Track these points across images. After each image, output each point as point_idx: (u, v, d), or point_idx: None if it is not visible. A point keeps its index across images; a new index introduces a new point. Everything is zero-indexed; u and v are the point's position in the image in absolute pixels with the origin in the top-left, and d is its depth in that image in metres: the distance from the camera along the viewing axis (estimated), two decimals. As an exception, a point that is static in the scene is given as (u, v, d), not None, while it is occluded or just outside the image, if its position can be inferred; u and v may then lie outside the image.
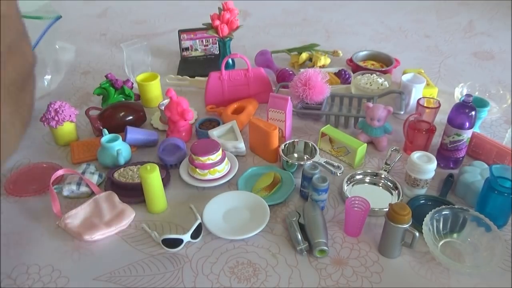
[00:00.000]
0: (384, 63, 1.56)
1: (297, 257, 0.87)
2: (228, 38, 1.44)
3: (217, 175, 1.04)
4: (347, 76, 1.44)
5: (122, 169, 1.07)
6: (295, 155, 1.15)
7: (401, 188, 1.02)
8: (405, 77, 1.31)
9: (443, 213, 0.89)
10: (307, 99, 1.23)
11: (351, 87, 1.39)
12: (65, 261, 0.87)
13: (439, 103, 1.13)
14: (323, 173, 0.99)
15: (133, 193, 1.00)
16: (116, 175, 1.05)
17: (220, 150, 1.04)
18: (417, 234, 0.83)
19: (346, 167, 1.10)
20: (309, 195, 0.96)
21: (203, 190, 1.05)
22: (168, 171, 1.09)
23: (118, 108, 1.24)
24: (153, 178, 0.93)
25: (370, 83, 1.36)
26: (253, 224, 0.92)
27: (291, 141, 1.13)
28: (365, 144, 1.11)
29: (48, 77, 1.31)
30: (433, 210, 0.89)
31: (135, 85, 1.40)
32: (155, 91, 1.37)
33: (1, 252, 0.89)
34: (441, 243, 0.88)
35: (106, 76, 1.35)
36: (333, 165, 1.04)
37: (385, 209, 0.94)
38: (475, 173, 1.00)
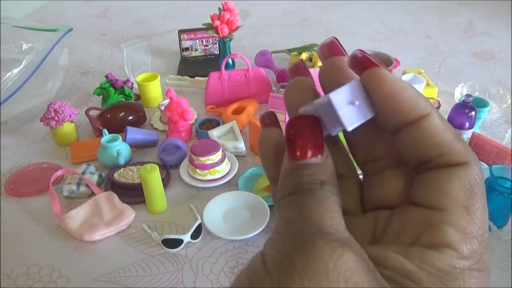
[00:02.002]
0: (384, 63, 1.54)
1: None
2: (228, 38, 1.44)
3: (217, 175, 1.04)
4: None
5: (122, 169, 1.07)
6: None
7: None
8: (405, 77, 1.31)
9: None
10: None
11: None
12: (65, 261, 0.87)
13: (439, 103, 1.13)
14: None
15: (133, 193, 1.00)
16: (116, 175, 1.05)
17: (220, 151, 1.04)
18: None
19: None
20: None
21: (203, 190, 1.05)
22: (168, 171, 1.09)
23: (118, 108, 1.24)
24: (153, 178, 0.93)
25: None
26: (253, 224, 0.92)
27: (291, 141, 1.13)
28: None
29: (50, 84, 1.33)
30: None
31: (135, 85, 1.40)
32: (155, 91, 1.37)
33: (1, 252, 0.89)
34: (441, 243, 0.88)
35: (106, 76, 1.35)
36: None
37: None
38: (475, 173, 1.00)
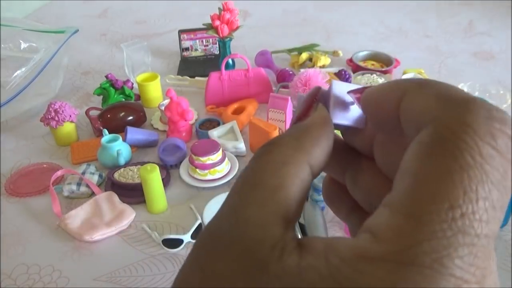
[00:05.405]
0: (384, 63, 1.56)
1: (297, 257, 0.87)
2: (228, 38, 1.44)
3: (217, 175, 1.04)
4: (347, 76, 1.44)
5: (122, 169, 1.07)
6: (295, 155, 1.15)
7: (401, 188, 1.02)
8: (406, 77, 1.31)
9: (443, 213, 0.89)
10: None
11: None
12: (65, 261, 0.87)
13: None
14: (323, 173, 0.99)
15: (133, 193, 1.00)
16: (116, 175, 1.05)
17: (220, 151, 1.04)
18: (417, 234, 0.83)
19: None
20: (309, 195, 0.96)
21: (203, 190, 1.05)
22: (168, 171, 1.09)
23: (118, 109, 1.25)
24: (153, 178, 0.93)
25: (371, 83, 1.36)
26: (253, 224, 0.92)
27: (291, 141, 1.13)
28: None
29: (53, 83, 1.34)
30: (433, 210, 0.88)
31: (135, 85, 1.40)
32: (155, 91, 1.37)
33: (1, 252, 0.89)
34: (441, 243, 0.88)
35: (106, 76, 1.35)
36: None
37: (385, 209, 0.94)
38: (475, 173, 1.00)
